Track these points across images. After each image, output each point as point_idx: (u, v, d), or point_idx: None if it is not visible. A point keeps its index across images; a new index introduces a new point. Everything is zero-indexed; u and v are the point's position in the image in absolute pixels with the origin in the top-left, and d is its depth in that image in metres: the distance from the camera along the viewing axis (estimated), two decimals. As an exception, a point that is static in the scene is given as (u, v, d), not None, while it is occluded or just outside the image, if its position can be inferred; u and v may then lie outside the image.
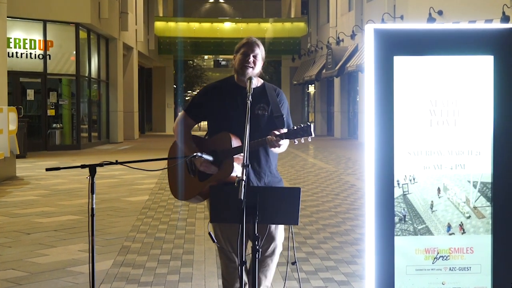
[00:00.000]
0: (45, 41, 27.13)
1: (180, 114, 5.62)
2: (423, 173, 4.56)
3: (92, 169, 5.09)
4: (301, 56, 47.84)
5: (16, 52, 26.46)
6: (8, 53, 25.31)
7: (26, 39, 26.75)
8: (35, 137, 26.89)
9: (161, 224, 10.48)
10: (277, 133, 5.07)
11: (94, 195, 5.11)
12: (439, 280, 4.63)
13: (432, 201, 4.57)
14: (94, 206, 5.12)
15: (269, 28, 49.62)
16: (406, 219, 4.56)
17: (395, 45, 4.54)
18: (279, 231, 5.40)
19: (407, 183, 4.55)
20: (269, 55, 50.06)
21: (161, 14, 50.57)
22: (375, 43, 4.54)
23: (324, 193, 13.93)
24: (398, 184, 4.54)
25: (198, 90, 5.80)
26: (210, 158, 5.15)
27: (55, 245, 8.97)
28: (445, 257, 4.62)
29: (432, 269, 4.62)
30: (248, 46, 5.33)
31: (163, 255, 8.37)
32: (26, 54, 26.75)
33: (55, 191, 14.28)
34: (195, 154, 5.05)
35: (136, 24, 38.15)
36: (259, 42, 5.38)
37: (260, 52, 5.37)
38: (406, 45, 4.56)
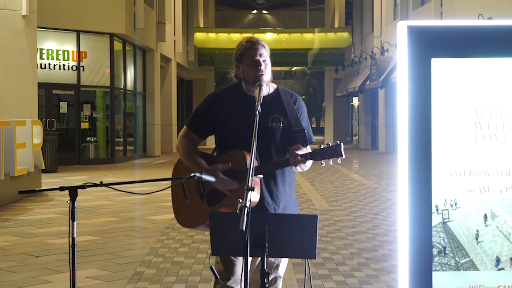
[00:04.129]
0: (78, 52, 26.84)
1: (182, 129, 4.89)
2: (467, 197, 3.95)
3: (73, 191, 4.43)
4: (344, 67, 47.19)
5: (49, 64, 26.20)
6: (41, 64, 25.42)
7: (59, 50, 26.46)
8: (68, 151, 26.74)
9: (182, 246, 9.83)
10: (300, 152, 4.36)
11: (75, 223, 4.43)
12: (486, 323, 3.92)
13: (477, 230, 3.95)
14: (75, 236, 4.45)
15: (312, 38, 49.08)
16: (447, 252, 3.95)
17: (433, 45, 3.93)
18: (283, 260, 4.75)
19: (447, 209, 3.94)
20: (312, 66, 50.34)
21: (201, 25, 50.19)
22: (409, 43, 3.92)
23: (363, 212, 13.25)
24: (437, 210, 3.93)
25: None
26: (212, 179, 4.46)
27: (62, 270, 8.33)
28: (493, 297, 3.89)
29: (477, 311, 3.91)
30: (254, 50, 4.58)
31: (177, 284, 7.73)
32: (59, 65, 26.45)
33: (77, 209, 13.56)
34: (192, 174, 4.33)
35: (174, 35, 37.83)
36: (263, 42, 4.64)
37: (267, 53, 4.62)
38: (445, 46, 3.93)
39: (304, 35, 49.51)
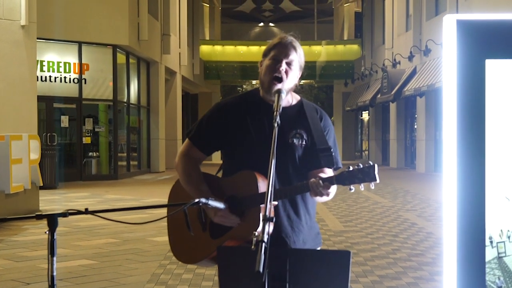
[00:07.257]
0: (80, 64, 26.42)
1: (184, 144, 4.10)
2: (527, 227, 3.37)
3: (52, 220, 3.48)
4: (354, 81, 47.04)
5: (50, 76, 25.75)
6: (41, 77, 25.08)
7: (60, 62, 26.03)
8: (69, 166, 26.50)
9: (186, 272, 9.15)
10: (323, 175, 3.73)
11: (55, 258, 3.50)
12: None
13: (539, 267, 3.35)
14: (54, 274, 3.53)
15: (321, 51, 48.82)
16: (502, 292, 3.30)
17: (488, 43, 3.36)
18: None
19: (503, 242, 3.38)
20: (320, 79, 49.79)
21: (207, 38, 49.94)
22: (458, 41, 3.34)
23: (380, 234, 12.54)
24: (491, 242, 3.38)
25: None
26: (221, 205, 3.72)
27: (54, 301, 7.49)
28: None
29: None
30: (281, 49, 3.93)
31: (181, 317, 7.09)
32: (61, 78, 26.01)
33: (76, 229, 13.11)
34: (197, 200, 3.58)
35: (179, 47, 37.63)
36: (296, 44, 3.98)
37: (297, 57, 3.94)
38: (503, 44, 3.34)
39: (313, 48, 49.06)
